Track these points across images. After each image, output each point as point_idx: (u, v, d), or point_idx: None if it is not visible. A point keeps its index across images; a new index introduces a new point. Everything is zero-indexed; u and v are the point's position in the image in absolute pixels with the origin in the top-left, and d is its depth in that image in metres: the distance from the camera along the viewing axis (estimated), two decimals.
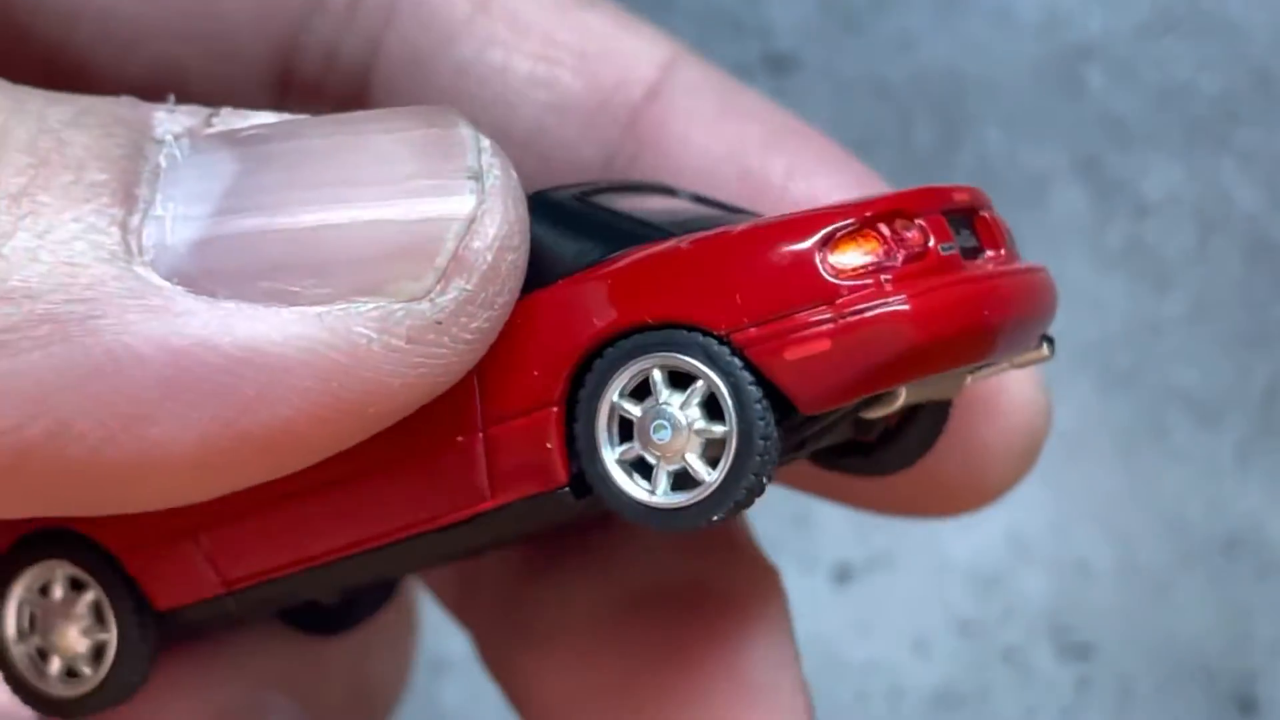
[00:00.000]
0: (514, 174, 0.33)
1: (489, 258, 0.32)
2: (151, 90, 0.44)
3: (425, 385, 0.32)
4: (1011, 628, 0.77)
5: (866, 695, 0.76)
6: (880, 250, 0.33)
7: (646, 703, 0.40)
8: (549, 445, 0.35)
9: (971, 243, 0.36)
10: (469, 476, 0.35)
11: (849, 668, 0.76)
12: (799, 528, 0.77)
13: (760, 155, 0.42)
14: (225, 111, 0.34)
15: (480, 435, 0.35)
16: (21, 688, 0.40)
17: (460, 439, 0.35)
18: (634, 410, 0.34)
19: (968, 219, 0.36)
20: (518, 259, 0.33)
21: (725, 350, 0.33)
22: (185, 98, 0.44)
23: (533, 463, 0.35)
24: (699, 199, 0.40)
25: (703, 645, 0.40)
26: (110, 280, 0.31)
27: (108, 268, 0.31)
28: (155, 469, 0.32)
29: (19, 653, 0.40)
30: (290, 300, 0.31)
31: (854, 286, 0.33)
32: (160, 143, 0.33)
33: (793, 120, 0.43)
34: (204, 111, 0.34)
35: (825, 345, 0.33)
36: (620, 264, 0.34)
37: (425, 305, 0.32)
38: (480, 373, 0.34)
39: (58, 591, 0.39)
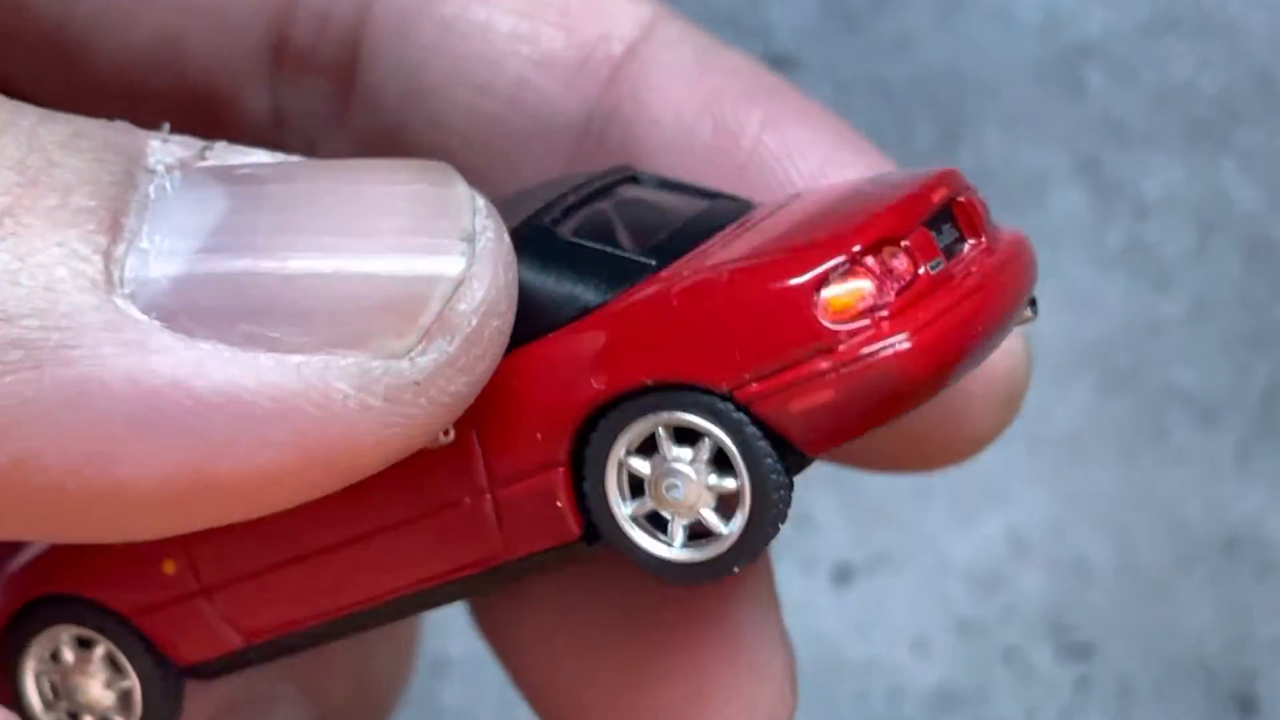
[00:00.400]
0: (507, 239, 0.33)
1: (474, 321, 0.32)
2: (151, 64, 0.44)
3: (398, 444, 0.32)
4: (1011, 628, 0.77)
5: (866, 695, 0.76)
6: (872, 288, 0.33)
7: (629, 656, 0.40)
8: (559, 504, 0.34)
9: (952, 236, 0.35)
10: (480, 536, 0.35)
11: (849, 668, 0.76)
12: (799, 528, 0.77)
13: (735, 107, 0.41)
14: (220, 146, 0.33)
15: (488, 497, 0.35)
16: None
17: (468, 501, 0.35)
18: (643, 469, 0.34)
19: (947, 210, 0.36)
20: (502, 325, 0.32)
21: (730, 408, 0.33)
22: (183, 73, 0.44)
23: (544, 520, 0.35)
24: (666, 185, 0.39)
25: (686, 600, 0.40)
26: (88, 310, 0.30)
27: (87, 297, 0.30)
28: (118, 505, 0.31)
29: None
30: (270, 346, 0.31)
31: (852, 331, 0.32)
32: (152, 172, 0.32)
33: (772, 77, 0.43)
34: (198, 144, 0.33)
35: (829, 395, 0.32)
36: (611, 322, 0.34)
37: (405, 364, 0.31)
38: (481, 436, 0.34)
39: (68, 655, 0.39)
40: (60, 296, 0.30)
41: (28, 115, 0.32)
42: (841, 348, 0.32)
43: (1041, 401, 0.77)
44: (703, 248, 0.35)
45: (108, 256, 0.31)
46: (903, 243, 0.34)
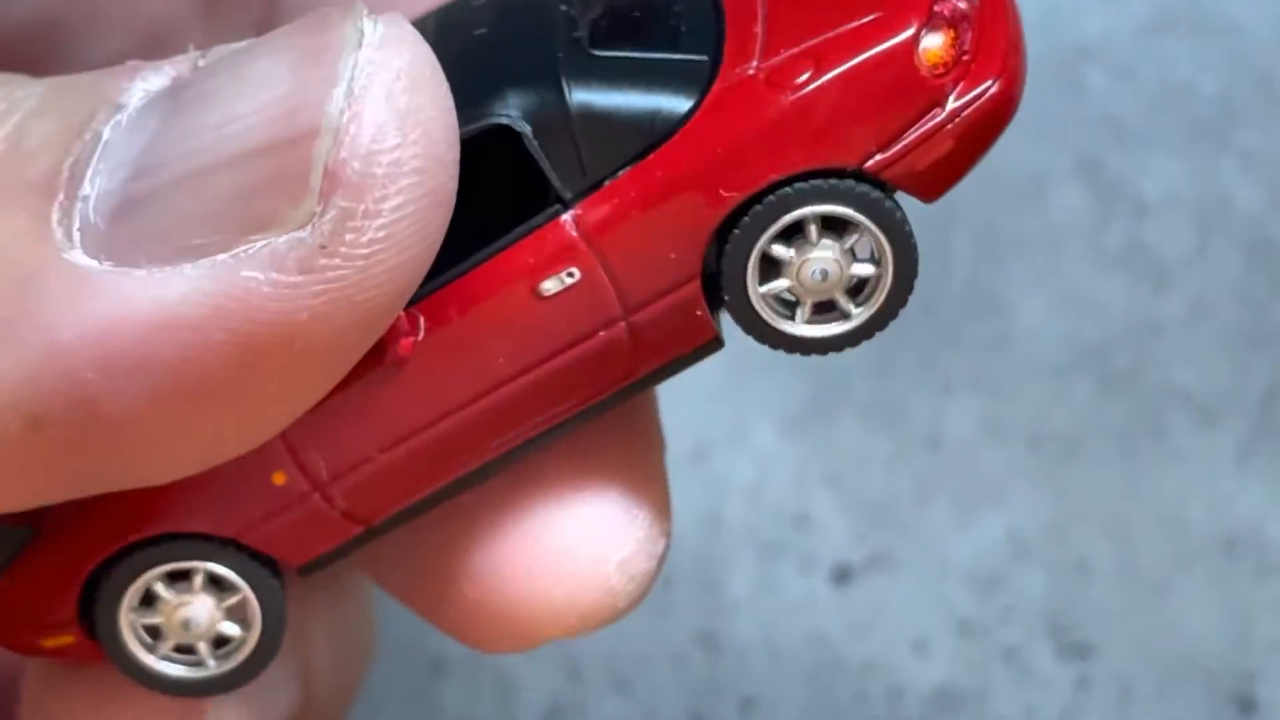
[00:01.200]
0: (397, 63, 0.31)
1: (356, 166, 0.31)
2: (101, 16, 0.45)
3: (341, 314, 0.31)
4: (1011, 628, 0.77)
5: (866, 695, 0.76)
6: (951, 35, 0.34)
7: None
8: (699, 313, 0.35)
9: None
10: (614, 362, 0.36)
11: (849, 668, 0.76)
12: (799, 528, 0.77)
13: None
14: (216, 50, 0.33)
15: (622, 324, 0.35)
16: (198, 688, 0.39)
17: (602, 333, 0.35)
18: (782, 253, 0.34)
19: None
20: (400, 156, 0.31)
21: (867, 187, 0.34)
22: (130, 25, 0.45)
23: (680, 329, 0.36)
24: None
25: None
26: (44, 273, 0.31)
27: (41, 261, 0.31)
28: (127, 446, 0.32)
29: (172, 671, 0.39)
30: (196, 254, 0.31)
31: (954, 80, 0.34)
32: (120, 106, 0.32)
33: None
34: (194, 55, 0.33)
35: (949, 145, 0.35)
36: (716, 128, 0.34)
37: (306, 232, 0.31)
38: (609, 268, 0.35)
39: (167, 593, 0.39)
40: (16, 265, 0.31)
41: (12, 84, 0.32)
42: (950, 104, 0.34)
43: (1041, 401, 0.77)
44: (740, 32, 0.35)
45: (61, 212, 0.31)
46: None
